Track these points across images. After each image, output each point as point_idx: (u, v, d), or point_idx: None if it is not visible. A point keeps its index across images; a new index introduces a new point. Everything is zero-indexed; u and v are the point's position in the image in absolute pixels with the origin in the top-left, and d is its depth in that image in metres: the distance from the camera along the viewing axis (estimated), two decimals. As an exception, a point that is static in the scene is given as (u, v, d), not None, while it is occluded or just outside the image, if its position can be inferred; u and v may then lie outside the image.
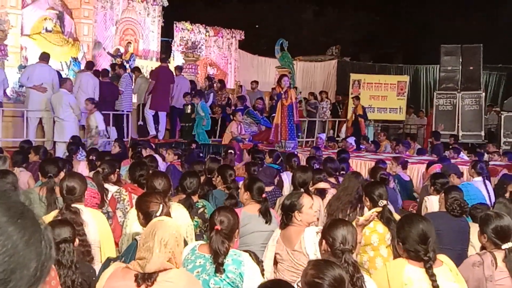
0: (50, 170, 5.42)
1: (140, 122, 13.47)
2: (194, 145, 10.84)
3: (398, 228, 3.61)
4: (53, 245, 1.25)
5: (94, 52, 15.44)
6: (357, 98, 14.81)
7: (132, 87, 13.55)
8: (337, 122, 16.73)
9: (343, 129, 15.82)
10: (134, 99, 13.94)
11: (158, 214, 3.57)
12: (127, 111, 12.92)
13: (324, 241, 3.50)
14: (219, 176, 6.11)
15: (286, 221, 4.23)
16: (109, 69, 14.18)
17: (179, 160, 8.69)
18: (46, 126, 11.30)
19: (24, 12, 13.91)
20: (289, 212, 4.21)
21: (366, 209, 5.47)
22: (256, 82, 17.25)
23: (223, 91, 15.94)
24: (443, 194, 5.29)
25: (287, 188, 7.56)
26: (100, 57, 15.81)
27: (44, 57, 11.57)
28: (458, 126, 15.25)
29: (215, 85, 15.99)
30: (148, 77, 14.35)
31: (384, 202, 4.59)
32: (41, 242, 1.22)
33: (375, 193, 4.72)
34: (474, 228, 4.87)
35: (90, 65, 12.80)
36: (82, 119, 11.18)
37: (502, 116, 14.64)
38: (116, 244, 4.59)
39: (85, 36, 15.13)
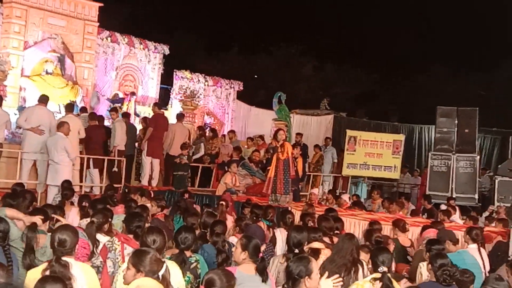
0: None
1: (115, 169, 12.71)
2: (187, 195, 10.74)
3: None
4: None
5: (92, 104, 15.35)
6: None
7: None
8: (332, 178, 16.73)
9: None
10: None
11: (161, 273, 3.51)
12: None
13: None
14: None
15: (291, 286, 4.12)
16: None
17: (162, 212, 8.35)
18: (39, 168, 11.19)
19: (25, 53, 14.01)
20: (297, 277, 4.11)
21: (360, 272, 5.43)
22: (233, 132, 17.19)
23: (214, 140, 15.95)
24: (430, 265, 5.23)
25: (279, 246, 7.48)
26: (99, 103, 15.85)
27: (43, 100, 11.56)
28: (452, 188, 15.23)
29: (206, 134, 16.10)
30: (140, 122, 14.50)
31: (385, 269, 4.56)
32: None
33: (379, 259, 4.70)
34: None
35: (70, 107, 12.42)
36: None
37: (496, 181, 14.65)
38: (105, 298, 4.49)
39: (85, 80, 15.20)
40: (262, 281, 4.72)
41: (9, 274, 3.35)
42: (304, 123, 21.92)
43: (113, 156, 12.69)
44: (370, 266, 4.90)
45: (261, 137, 16.79)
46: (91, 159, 12.11)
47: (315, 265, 4.24)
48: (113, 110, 13.76)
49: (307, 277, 4.09)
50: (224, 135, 18.02)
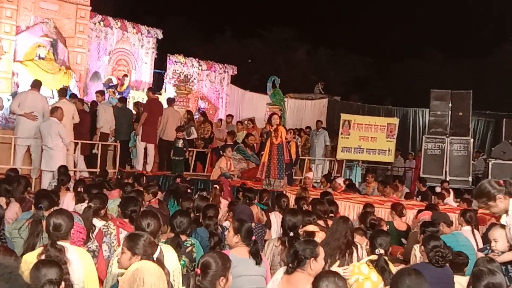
0: (41, 203, 5.34)
1: (95, 151, 12.68)
2: (179, 180, 10.68)
3: (393, 281, 3.57)
4: None
5: (91, 83, 15.25)
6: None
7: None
8: (327, 162, 16.75)
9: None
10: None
11: (155, 256, 3.51)
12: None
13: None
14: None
15: (296, 266, 4.15)
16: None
17: (156, 198, 8.27)
18: (34, 154, 11.15)
19: (18, 38, 13.90)
20: (303, 258, 4.13)
21: (355, 255, 5.46)
22: (231, 116, 17.15)
23: (205, 124, 15.86)
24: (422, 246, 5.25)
25: (274, 229, 7.49)
26: (93, 86, 15.79)
27: (36, 85, 11.49)
28: (446, 170, 15.28)
29: (196, 118, 16.06)
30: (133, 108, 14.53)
31: (381, 251, 4.60)
32: None
33: (377, 241, 4.77)
34: (462, 281, 4.84)
35: (63, 92, 12.32)
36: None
37: (490, 163, 14.66)
38: (101, 282, 4.50)
39: (78, 65, 15.12)
40: (256, 263, 4.74)
41: (18, 261, 3.33)
42: (299, 107, 21.94)
43: (96, 139, 12.65)
44: (367, 247, 4.95)
45: (252, 120, 16.72)
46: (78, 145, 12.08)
47: (322, 250, 4.27)
48: (99, 92, 13.69)
49: (313, 258, 4.12)
50: (220, 120, 17.99)
